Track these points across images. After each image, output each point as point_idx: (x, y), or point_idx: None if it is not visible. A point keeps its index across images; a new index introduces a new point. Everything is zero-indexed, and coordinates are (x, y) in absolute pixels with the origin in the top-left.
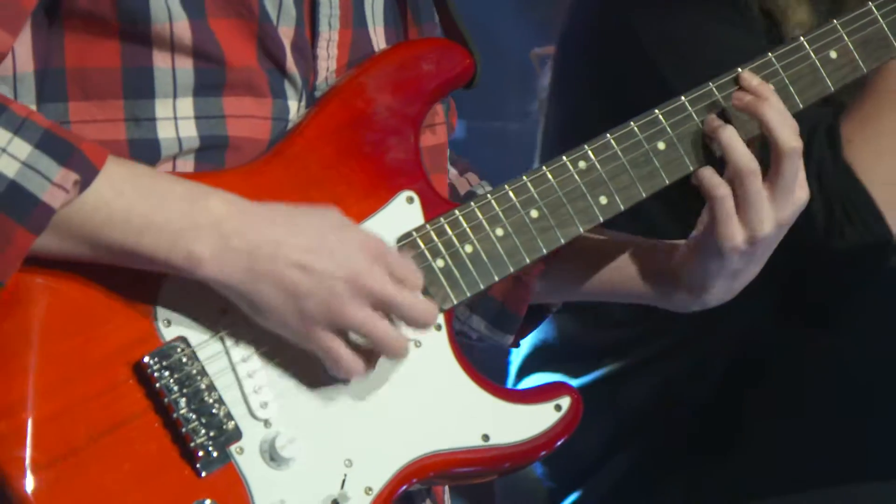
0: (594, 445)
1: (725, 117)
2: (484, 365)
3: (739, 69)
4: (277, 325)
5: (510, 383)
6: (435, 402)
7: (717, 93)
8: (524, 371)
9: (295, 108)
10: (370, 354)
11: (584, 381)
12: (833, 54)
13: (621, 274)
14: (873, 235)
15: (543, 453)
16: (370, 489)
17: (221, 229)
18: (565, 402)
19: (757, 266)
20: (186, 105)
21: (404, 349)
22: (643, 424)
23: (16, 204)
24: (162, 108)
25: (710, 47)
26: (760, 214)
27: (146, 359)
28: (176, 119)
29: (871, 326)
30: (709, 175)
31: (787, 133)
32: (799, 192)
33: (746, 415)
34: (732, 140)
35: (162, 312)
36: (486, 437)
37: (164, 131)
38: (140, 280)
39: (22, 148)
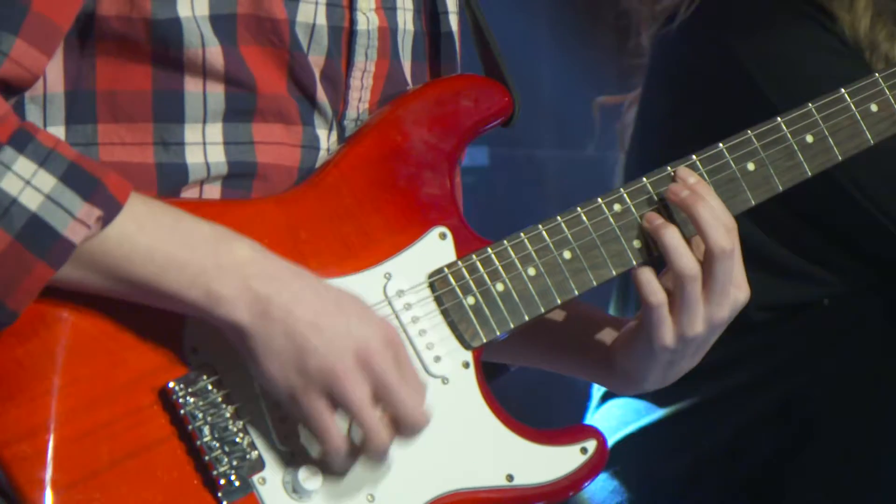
0: (672, 479)
1: (667, 212)
2: (566, 389)
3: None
4: (274, 377)
5: (592, 407)
6: (460, 441)
7: (651, 188)
8: (608, 395)
9: (325, 136)
10: (354, 445)
11: (667, 412)
12: (874, 107)
13: (562, 348)
14: None
15: (570, 495)
16: None
17: (244, 272)
18: (591, 445)
19: (692, 359)
20: (216, 130)
21: (385, 446)
22: (718, 462)
23: (36, 237)
24: (191, 132)
25: (816, 75)
26: (693, 316)
27: (171, 384)
28: (205, 144)
29: None
30: (647, 279)
31: (720, 234)
32: (735, 293)
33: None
34: (675, 242)
35: (189, 340)
36: (510, 478)
37: (193, 156)
38: None
39: (46, 181)
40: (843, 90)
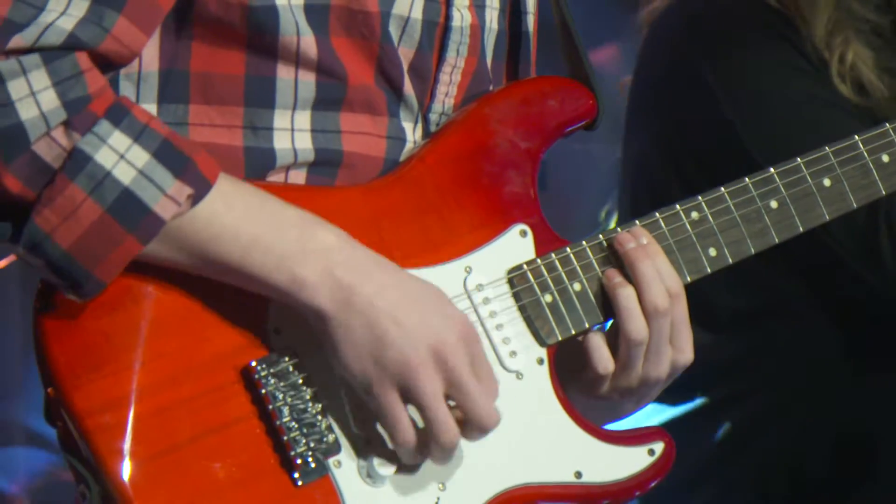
0: (682, 476)
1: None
2: None
3: (824, 148)
4: (350, 365)
5: None
6: (532, 435)
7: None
8: None
9: (410, 129)
10: (423, 440)
11: (681, 410)
12: None
13: None
14: None
15: (636, 494)
16: None
17: (329, 259)
18: (658, 447)
19: (636, 405)
20: (304, 118)
21: (452, 444)
22: (727, 461)
23: (127, 211)
24: (280, 118)
25: (791, 109)
26: (630, 376)
27: (254, 364)
28: (293, 130)
29: None
30: (597, 346)
31: (656, 292)
32: (674, 355)
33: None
34: (630, 304)
35: (272, 321)
36: (578, 475)
37: (281, 142)
38: None
39: (140, 156)
40: None
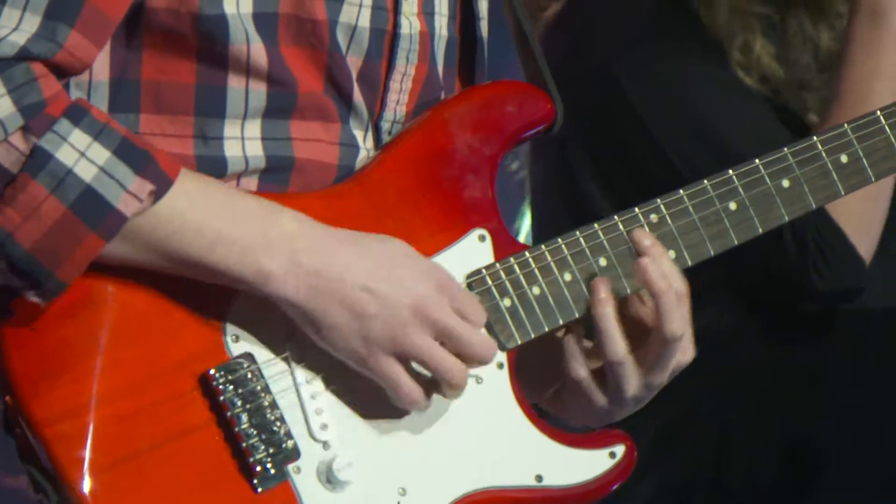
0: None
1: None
2: None
3: (786, 149)
4: (339, 347)
5: None
6: (492, 439)
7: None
8: None
9: (360, 137)
10: (430, 386)
11: None
12: None
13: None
14: (848, 273)
15: (596, 498)
16: None
17: (292, 246)
18: (620, 449)
19: (634, 407)
20: (254, 126)
21: (463, 381)
22: (664, 459)
23: (89, 209)
24: (230, 127)
25: (700, 107)
26: (625, 388)
27: (212, 371)
28: (243, 139)
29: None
30: (571, 352)
31: (676, 320)
32: (679, 359)
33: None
34: (609, 326)
35: (231, 328)
36: (539, 478)
37: (231, 150)
38: (212, 294)
39: (100, 153)
40: (878, 112)
